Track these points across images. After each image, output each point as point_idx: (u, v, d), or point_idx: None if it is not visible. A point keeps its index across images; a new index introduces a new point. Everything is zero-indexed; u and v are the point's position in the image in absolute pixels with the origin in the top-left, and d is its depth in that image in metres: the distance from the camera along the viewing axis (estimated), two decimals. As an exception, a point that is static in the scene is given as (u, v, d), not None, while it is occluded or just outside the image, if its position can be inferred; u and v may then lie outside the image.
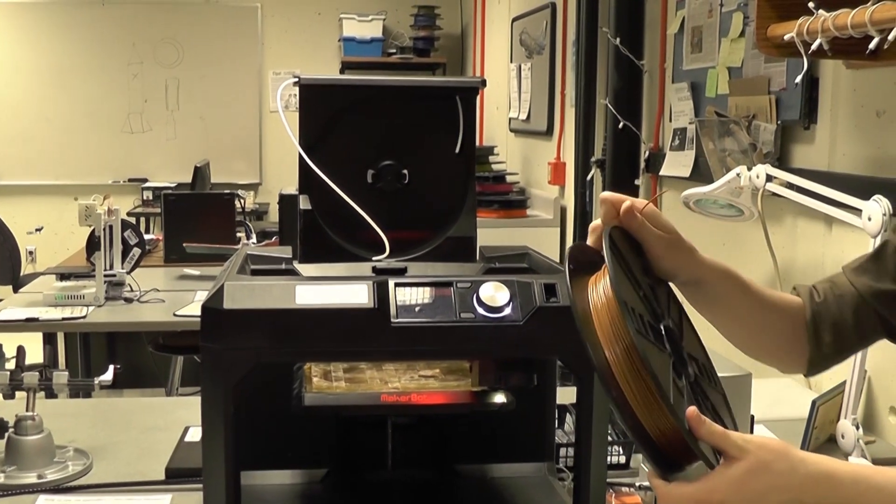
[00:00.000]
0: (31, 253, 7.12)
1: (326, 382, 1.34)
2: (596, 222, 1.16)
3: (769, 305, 1.26)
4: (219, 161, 6.86)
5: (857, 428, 1.84)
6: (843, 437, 1.86)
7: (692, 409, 0.95)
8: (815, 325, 1.25)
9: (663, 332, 1.05)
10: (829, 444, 1.89)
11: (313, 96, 1.42)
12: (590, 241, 1.14)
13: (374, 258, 1.39)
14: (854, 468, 0.98)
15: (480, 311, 1.20)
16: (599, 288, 1.03)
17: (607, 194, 1.15)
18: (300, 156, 1.39)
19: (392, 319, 1.18)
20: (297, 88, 1.40)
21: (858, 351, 1.31)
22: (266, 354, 1.18)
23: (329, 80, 1.44)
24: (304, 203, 1.41)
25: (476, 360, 1.34)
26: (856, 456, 1.83)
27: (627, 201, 1.13)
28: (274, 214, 6.85)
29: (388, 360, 1.36)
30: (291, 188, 3.37)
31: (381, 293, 1.20)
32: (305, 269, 1.40)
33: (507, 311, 1.20)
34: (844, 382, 1.89)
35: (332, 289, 1.20)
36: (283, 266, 1.44)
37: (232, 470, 1.21)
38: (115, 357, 4.31)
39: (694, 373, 1.06)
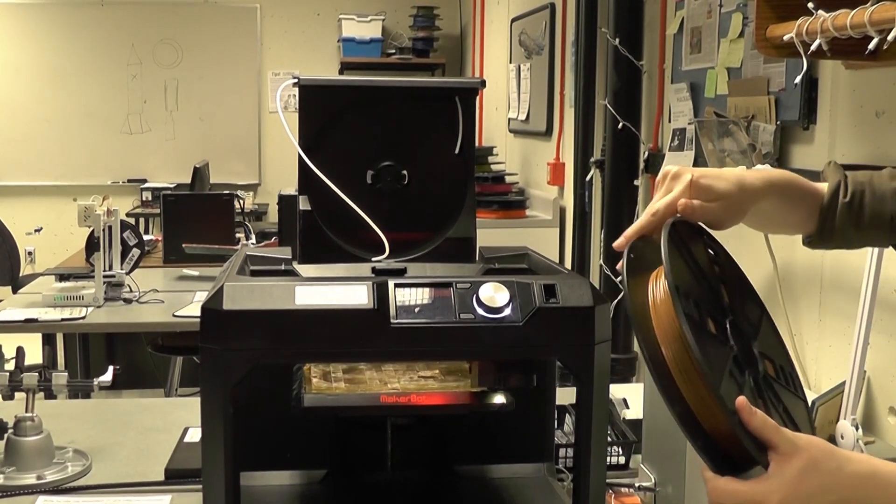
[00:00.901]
0: (30, 253, 7.11)
1: (326, 383, 1.34)
2: (656, 206, 1.12)
3: (796, 202, 1.24)
4: (218, 162, 6.86)
5: (857, 428, 1.84)
6: (842, 437, 1.86)
7: (741, 399, 0.93)
8: (826, 216, 1.24)
9: (727, 326, 1.02)
10: (829, 445, 1.89)
11: (313, 97, 1.42)
12: (633, 230, 1.11)
13: (373, 259, 1.39)
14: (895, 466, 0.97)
15: (480, 311, 1.20)
16: (660, 283, 1.01)
17: (657, 211, 1.11)
18: (299, 156, 1.39)
19: (392, 320, 1.18)
20: (296, 89, 1.40)
21: (856, 248, 1.32)
22: (265, 355, 1.18)
23: (328, 81, 1.44)
24: (303, 204, 1.41)
25: (475, 360, 1.34)
26: (855, 456, 1.83)
27: (681, 202, 1.10)
28: (273, 215, 6.85)
29: (388, 361, 1.36)
30: (291, 189, 3.37)
31: (381, 294, 1.20)
32: (305, 269, 1.40)
33: (507, 311, 1.20)
34: (844, 383, 1.90)
35: (332, 289, 1.20)
36: (283, 267, 1.44)
37: (231, 471, 1.21)
38: (115, 358, 4.31)
39: (765, 372, 1.04)
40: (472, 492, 1.52)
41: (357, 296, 1.19)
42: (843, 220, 1.23)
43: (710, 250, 1.14)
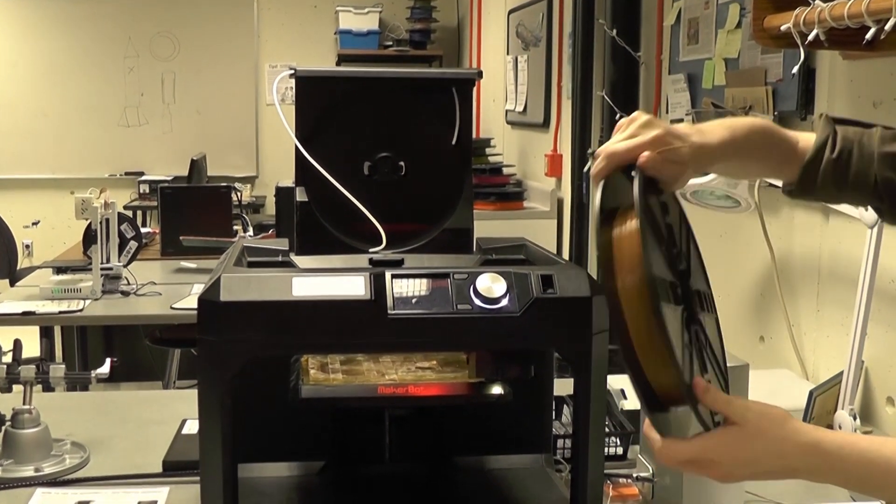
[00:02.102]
0: (27, 247, 7.10)
1: (323, 374, 1.34)
2: (613, 147, 1.07)
3: (765, 154, 1.24)
4: (215, 154, 6.84)
5: (855, 418, 1.84)
6: (840, 427, 1.86)
7: (699, 380, 0.95)
8: (809, 170, 1.23)
9: (678, 284, 1.02)
10: (826, 435, 1.90)
11: (309, 89, 1.42)
12: (595, 171, 1.06)
13: (370, 250, 1.39)
14: (841, 435, 1.00)
15: (477, 302, 1.20)
16: (629, 223, 0.99)
17: (613, 153, 1.06)
18: (297, 148, 1.39)
19: (389, 311, 1.18)
20: (293, 81, 1.40)
21: (834, 204, 1.32)
22: (263, 347, 1.18)
23: (325, 73, 1.44)
24: (300, 195, 1.41)
25: (473, 351, 1.34)
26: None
27: (647, 155, 1.04)
28: (270, 207, 6.83)
29: (385, 352, 1.36)
30: (288, 181, 3.36)
31: (378, 285, 1.20)
32: (302, 261, 1.40)
33: (504, 302, 1.20)
34: (842, 373, 1.90)
35: (329, 281, 1.20)
36: (280, 258, 1.44)
37: (229, 462, 1.21)
38: (112, 350, 4.31)
39: (697, 314, 1.04)
40: (470, 483, 1.52)
41: (354, 287, 1.19)
42: (827, 177, 1.23)
43: (659, 197, 1.10)
